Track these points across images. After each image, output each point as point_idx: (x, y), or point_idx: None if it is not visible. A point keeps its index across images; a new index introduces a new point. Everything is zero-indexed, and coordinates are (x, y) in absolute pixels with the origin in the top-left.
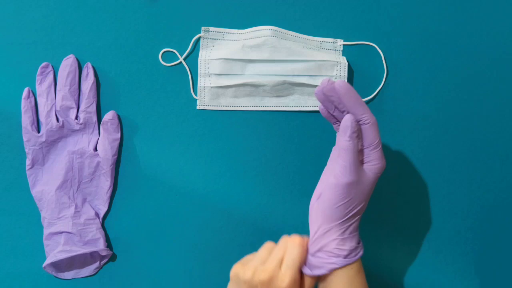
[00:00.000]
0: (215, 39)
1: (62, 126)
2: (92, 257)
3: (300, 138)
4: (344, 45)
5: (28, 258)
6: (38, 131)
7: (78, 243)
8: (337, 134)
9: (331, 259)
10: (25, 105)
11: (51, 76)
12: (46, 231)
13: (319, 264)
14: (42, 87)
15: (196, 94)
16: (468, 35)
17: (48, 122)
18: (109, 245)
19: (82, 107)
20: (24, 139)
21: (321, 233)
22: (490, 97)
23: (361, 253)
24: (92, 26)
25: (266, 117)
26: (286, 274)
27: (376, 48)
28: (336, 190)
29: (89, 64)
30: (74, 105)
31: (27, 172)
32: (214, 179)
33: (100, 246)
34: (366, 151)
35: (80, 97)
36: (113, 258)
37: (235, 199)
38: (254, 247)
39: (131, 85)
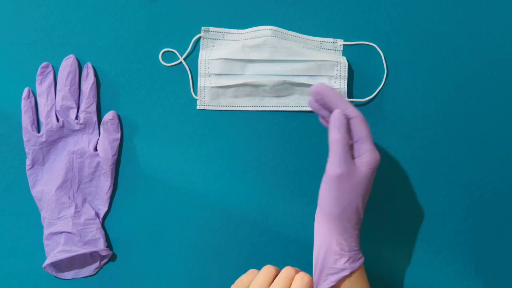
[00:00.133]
0: (215, 39)
1: (62, 126)
2: (92, 257)
3: (300, 138)
4: (344, 45)
5: (28, 258)
6: (38, 131)
7: (78, 243)
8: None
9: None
10: (25, 105)
11: (51, 76)
12: (46, 231)
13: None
14: (42, 87)
15: (196, 94)
16: (468, 35)
17: (48, 122)
18: (109, 245)
19: (82, 107)
20: (24, 139)
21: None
22: (490, 97)
23: (362, 259)
24: (92, 26)
25: (266, 117)
26: None
27: (376, 48)
28: (327, 184)
29: (89, 64)
30: (74, 105)
31: (27, 172)
32: (214, 179)
33: (100, 246)
34: (356, 145)
35: (80, 97)
36: (113, 258)
37: (235, 199)
38: (254, 247)
39: (131, 85)
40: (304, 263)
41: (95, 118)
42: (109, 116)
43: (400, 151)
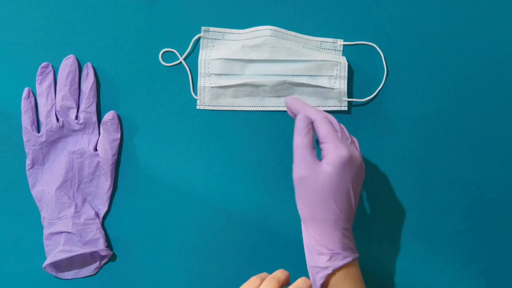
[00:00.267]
0: (215, 39)
1: (62, 126)
2: (92, 257)
3: None
4: (344, 45)
5: (28, 258)
6: (38, 131)
7: (78, 243)
8: None
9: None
10: (25, 105)
11: (51, 76)
12: (46, 231)
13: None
14: (42, 87)
15: (196, 94)
16: (468, 35)
17: (48, 122)
18: (109, 245)
19: (82, 107)
20: (24, 139)
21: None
22: (490, 97)
23: (348, 258)
24: (92, 26)
25: (266, 117)
26: None
27: (376, 48)
28: (295, 187)
29: (89, 64)
30: (74, 105)
31: (27, 172)
32: (214, 179)
33: (100, 246)
34: (321, 146)
35: (80, 97)
36: (113, 258)
37: (235, 199)
38: (254, 247)
39: (131, 85)
40: (303, 263)
41: (95, 118)
42: (109, 116)
43: (400, 151)
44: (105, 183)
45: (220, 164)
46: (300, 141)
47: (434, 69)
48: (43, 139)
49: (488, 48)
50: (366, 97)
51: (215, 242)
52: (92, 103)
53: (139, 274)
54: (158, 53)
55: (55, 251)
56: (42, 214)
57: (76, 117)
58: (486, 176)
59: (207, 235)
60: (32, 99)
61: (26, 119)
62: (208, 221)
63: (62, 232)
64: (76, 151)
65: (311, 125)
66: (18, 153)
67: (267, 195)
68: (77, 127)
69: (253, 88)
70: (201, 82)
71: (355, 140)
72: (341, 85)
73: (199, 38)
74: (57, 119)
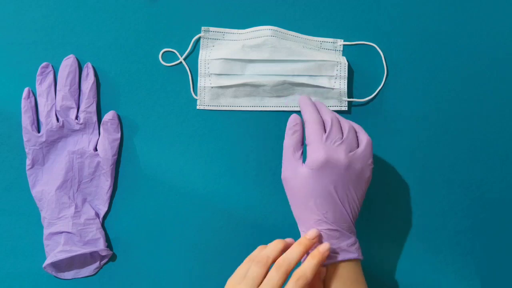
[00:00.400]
0: (215, 39)
1: (62, 126)
2: (92, 257)
3: None
4: (344, 45)
5: (28, 258)
6: (38, 131)
7: (78, 243)
8: None
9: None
10: (25, 105)
11: (51, 76)
12: (46, 231)
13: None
14: (42, 87)
15: (196, 94)
16: (468, 35)
17: (48, 122)
18: (109, 245)
19: (82, 107)
20: (24, 139)
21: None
22: (490, 97)
23: (330, 260)
24: (92, 26)
25: (266, 117)
26: None
27: (376, 48)
28: (284, 187)
29: (89, 64)
30: (74, 105)
31: (27, 172)
32: (214, 179)
33: (100, 246)
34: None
35: (80, 97)
36: (113, 258)
37: (235, 199)
38: (254, 247)
39: (131, 85)
40: None
41: (95, 118)
42: (109, 116)
43: (400, 151)
44: (105, 183)
45: (220, 164)
46: (285, 142)
47: (434, 69)
48: (43, 139)
49: (488, 48)
50: (366, 97)
51: (215, 242)
52: (92, 103)
53: (139, 274)
54: (158, 53)
55: (55, 251)
56: (42, 214)
57: (76, 117)
58: (486, 176)
59: (207, 235)
60: (32, 99)
61: (26, 119)
62: (208, 221)
63: (62, 232)
64: (76, 151)
65: (299, 126)
66: (18, 153)
67: (267, 195)
68: (77, 127)
69: (253, 88)
70: (201, 82)
71: (365, 141)
72: (341, 85)
73: (199, 38)
74: (57, 119)
